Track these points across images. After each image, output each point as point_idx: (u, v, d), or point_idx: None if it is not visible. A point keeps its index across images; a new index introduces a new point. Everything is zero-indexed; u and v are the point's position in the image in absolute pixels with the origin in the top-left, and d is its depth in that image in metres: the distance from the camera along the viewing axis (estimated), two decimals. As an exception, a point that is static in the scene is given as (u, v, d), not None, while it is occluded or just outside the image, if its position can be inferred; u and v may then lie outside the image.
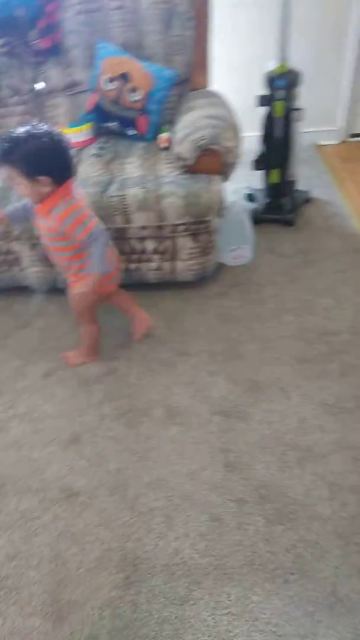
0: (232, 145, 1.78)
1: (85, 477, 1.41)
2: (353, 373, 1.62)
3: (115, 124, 2.15)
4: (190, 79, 2.19)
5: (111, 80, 2.08)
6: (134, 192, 1.77)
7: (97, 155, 2.03)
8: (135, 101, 2.08)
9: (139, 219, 1.81)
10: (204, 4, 2.10)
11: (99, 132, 2.19)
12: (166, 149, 2.00)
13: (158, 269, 1.96)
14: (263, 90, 2.14)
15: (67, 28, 2.14)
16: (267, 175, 2.35)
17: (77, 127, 2.15)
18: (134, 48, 2.12)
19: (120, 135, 2.16)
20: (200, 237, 1.87)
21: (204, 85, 2.24)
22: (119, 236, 1.84)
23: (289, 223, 2.34)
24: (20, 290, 2.09)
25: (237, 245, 2.11)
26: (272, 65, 2.12)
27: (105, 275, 1.55)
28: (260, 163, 2.33)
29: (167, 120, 2.13)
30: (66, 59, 2.20)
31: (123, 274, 1.81)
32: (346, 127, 3.05)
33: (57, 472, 1.43)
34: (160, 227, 1.83)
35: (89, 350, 1.79)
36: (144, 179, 1.82)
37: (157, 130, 2.11)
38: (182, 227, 1.83)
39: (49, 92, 2.24)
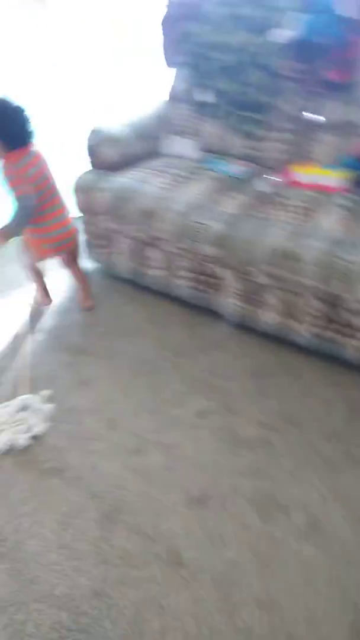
0: None
1: (196, 551, 1.28)
2: None
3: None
4: None
5: None
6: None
7: (345, 208, 1.82)
8: None
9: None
10: None
11: (358, 184, 1.95)
12: None
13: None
14: None
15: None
16: None
17: (331, 170, 1.97)
18: None
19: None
20: None
21: None
22: (330, 301, 1.64)
23: None
24: (210, 313, 2.03)
25: None
26: None
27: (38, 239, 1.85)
28: None
29: None
30: (352, 97, 2.02)
31: (315, 339, 1.64)
32: None
33: (172, 529, 1.33)
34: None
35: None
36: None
37: None
38: None
39: (319, 126, 2.08)
